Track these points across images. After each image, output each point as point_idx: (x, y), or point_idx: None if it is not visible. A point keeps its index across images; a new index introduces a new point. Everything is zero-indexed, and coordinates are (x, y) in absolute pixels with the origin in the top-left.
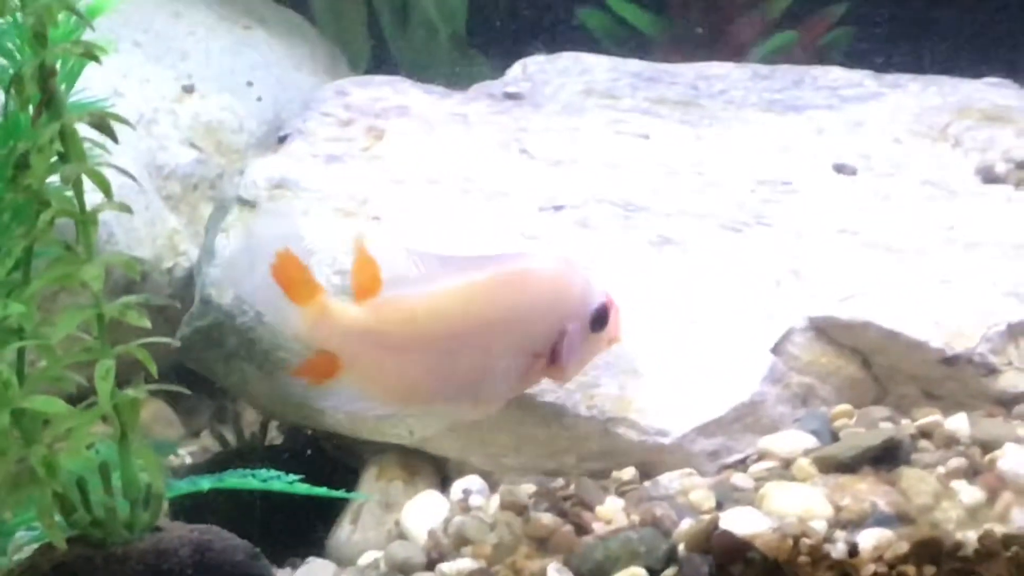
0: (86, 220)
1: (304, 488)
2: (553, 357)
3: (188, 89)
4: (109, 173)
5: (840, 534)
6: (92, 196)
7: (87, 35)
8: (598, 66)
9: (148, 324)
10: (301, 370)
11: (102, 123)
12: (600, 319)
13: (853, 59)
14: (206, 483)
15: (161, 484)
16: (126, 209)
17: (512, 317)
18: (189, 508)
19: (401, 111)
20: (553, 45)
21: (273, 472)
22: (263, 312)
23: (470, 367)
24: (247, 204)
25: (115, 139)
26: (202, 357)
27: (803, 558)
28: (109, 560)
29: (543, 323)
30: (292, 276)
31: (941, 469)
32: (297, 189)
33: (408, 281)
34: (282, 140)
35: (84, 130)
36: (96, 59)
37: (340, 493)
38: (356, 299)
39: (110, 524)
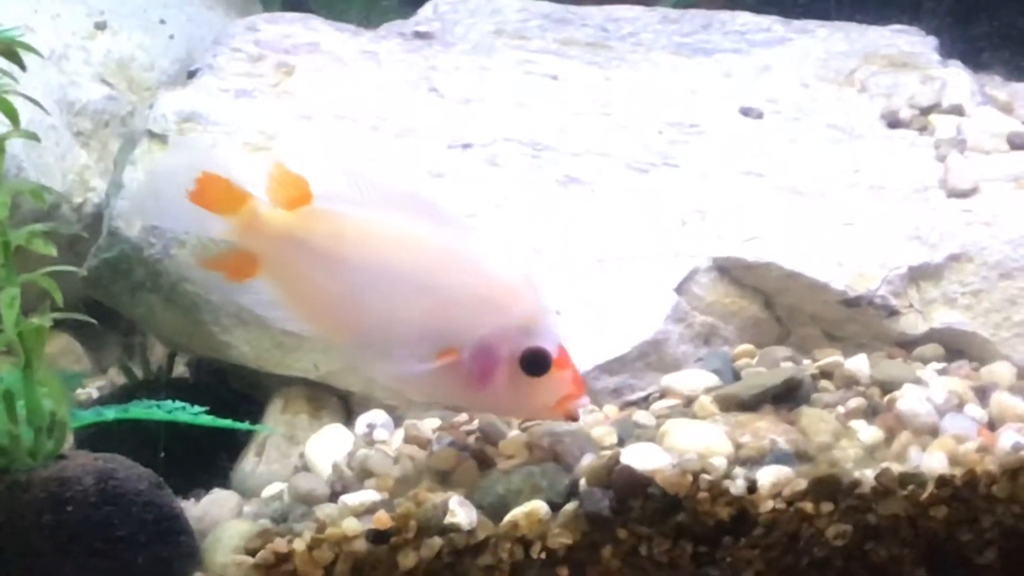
0: None
1: (208, 420)
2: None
3: (100, 26)
4: (19, 106)
5: (739, 471)
6: None
7: None
8: (508, 7)
9: (54, 252)
10: (216, 262)
11: (10, 52)
12: (533, 363)
13: (764, 5)
14: (111, 413)
15: (66, 412)
16: (33, 137)
17: (429, 287)
18: (94, 439)
19: (311, 48)
20: None
21: (178, 404)
22: (187, 231)
23: (376, 316)
24: (156, 137)
25: (23, 68)
26: (109, 289)
27: (702, 494)
28: (12, 487)
29: (460, 318)
30: (215, 194)
31: (841, 409)
32: (206, 123)
33: (342, 199)
34: (192, 75)
35: None
36: None
37: (244, 425)
38: (285, 207)
39: (13, 451)
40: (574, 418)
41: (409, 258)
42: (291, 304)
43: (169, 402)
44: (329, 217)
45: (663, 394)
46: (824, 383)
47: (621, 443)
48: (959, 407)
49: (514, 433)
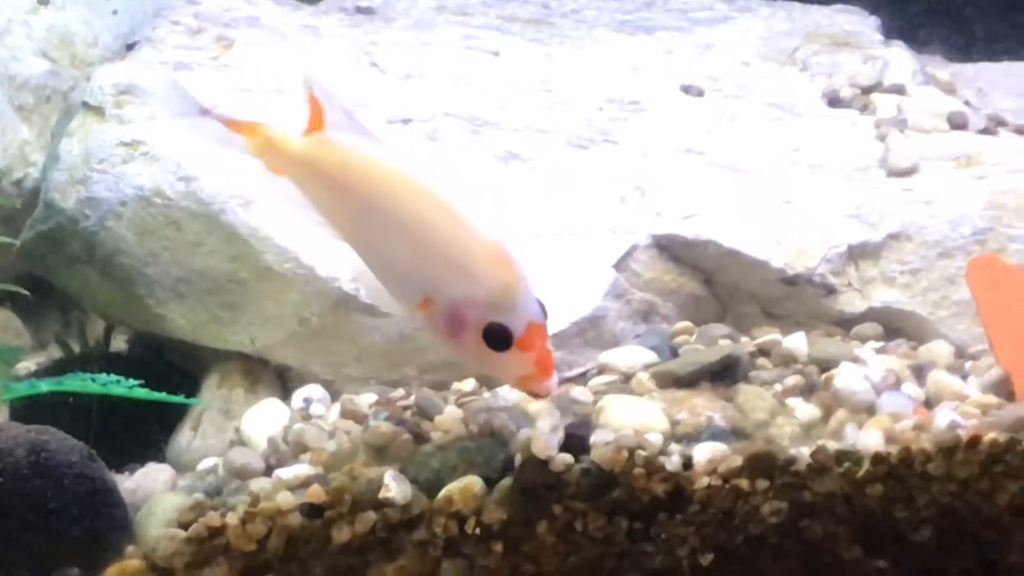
0: None
1: (143, 393)
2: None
3: (43, 1)
4: None
5: (675, 447)
6: None
7: None
8: None
9: None
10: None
11: None
12: (494, 338)
13: None
14: (44, 386)
15: None
16: None
17: (417, 237)
18: (28, 412)
19: (252, 21)
20: None
21: (113, 377)
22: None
23: (375, 248)
24: (92, 109)
25: None
26: (44, 261)
27: (638, 470)
28: None
29: (438, 275)
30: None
31: (778, 386)
32: (144, 96)
33: (352, 131)
34: (130, 48)
35: None
36: None
37: (179, 399)
38: (304, 133)
39: None
40: (539, 396)
41: (404, 203)
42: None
43: (104, 375)
44: (338, 147)
45: (601, 370)
46: (762, 361)
47: None
48: (896, 385)
49: (450, 408)
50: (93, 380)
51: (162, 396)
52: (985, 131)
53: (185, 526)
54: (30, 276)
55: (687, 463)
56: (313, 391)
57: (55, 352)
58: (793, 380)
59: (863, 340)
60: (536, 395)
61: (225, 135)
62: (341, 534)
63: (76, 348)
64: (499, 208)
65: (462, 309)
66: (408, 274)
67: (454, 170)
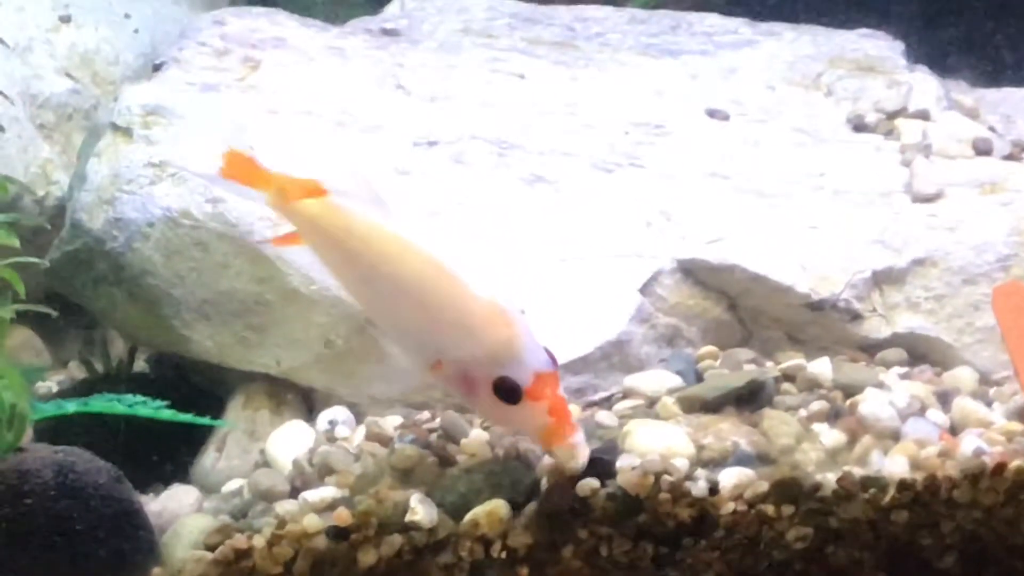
0: None
1: (169, 414)
2: None
3: (65, 19)
4: None
5: (701, 472)
6: None
7: None
8: (476, 5)
9: (16, 243)
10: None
11: None
12: (503, 392)
13: (732, 7)
14: (71, 406)
15: (25, 404)
16: None
17: (420, 300)
18: (54, 433)
19: (278, 43)
20: None
21: (139, 398)
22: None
23: (384, 311)
24: (120, 130)
25: None
26: (71, 282)
27: (664, 495)
28: None
29: (442, 337)
30: (243, 171)
31: (803, 412)
32: (171, 117)
33: (355, 198)
34: (157, 68)
35: None
36: None
37: (205, 420)
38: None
39: None
40: (566, 463)
41: (405, 270)
42: (331, 273)
43: (130, 396)
44: (342, 212)
45: (626, 395)
46: (787, 386)
47: None
48: (921, 412)
49: (475, 431)
50: (119, 401)
51: (188, 417)
52: (1010, 157)
53: (212, 548)
54: (51, 294)
55: (713, 488)
56: (338, 413)
57: (76, 371)
58: (818, 405)
59: (887, 366)
60: (568, 460)
61: (244, 193)
62: (367, 557)
63: (99, 368)
64: (525, 231)
65: (469, 369)
66: (416, 337)
67: (450, 230)
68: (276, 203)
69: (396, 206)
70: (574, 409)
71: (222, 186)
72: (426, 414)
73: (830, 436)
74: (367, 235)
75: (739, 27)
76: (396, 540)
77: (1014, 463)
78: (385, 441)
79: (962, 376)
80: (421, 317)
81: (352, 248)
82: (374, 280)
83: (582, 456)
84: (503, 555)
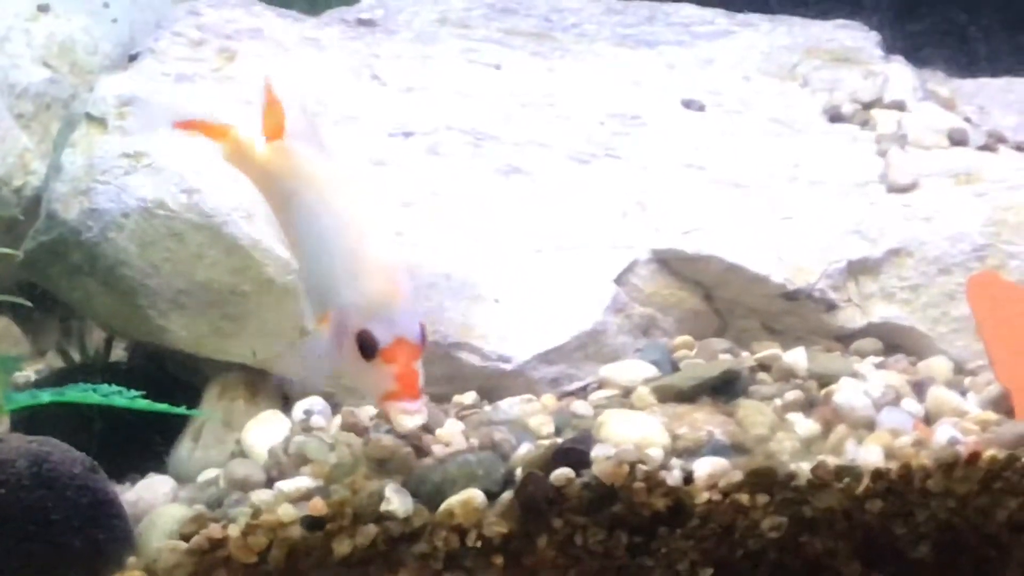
0: None
1: (144, 404)
2: None
3: (43, 8)
4: None
5: (676, 462)
6: None
7: None
8: None
9: None
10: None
11: None
12: (361, 343)
13: None
14: (46, 396)
15: (0, 394)
16: None
17: (328, 250)
18: (29, 422)
19: (254, 33)
20: None
21: (115, 388)
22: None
23: (304, 256)
24: (95, 120)
25: None
26: (46, 272)
27: (639, 484)
28: None
29: (335, 286)
30: (199, 127)
31: (778, 401)
32: (146, 107)
33: (306, 138)
34: (133, 59)
35: None
36: None
37: (180, 410)
38: (265, 138)
39: None
40: (399, 420)
41: (328, 212)
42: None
43: (105, 386)
44: (293, 155)
45: (601, 384)
46: (762, 376)
47: (558, 433)
48: (896, 401)
49: (450, 421)
50: (94, 391)
51: (164, 407)
52: (985, 147)
53: (186, 538)
54: (28, 284)
55: (688, 478)
56: (314, 403)
57: (54, 360)
58: (793, 395)
59: (863, 355)
60: (396, 417)
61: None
62: (342, 547)
63: (76, 358)
64: (501, 222)
65: (344, 318)
66: (318, 285)
67: (396, 185)
68: (231, 152)
69: (339, 151)
70: (548, 399)
71: (180, 135)
72: None
73: (805, 425)
74: (308, 177)
75: (716, 17)
76: (371, 530)
77: (988, 452)
78: (361, 431)
79: (937, 366)
80: (325, 263)
81: (292, 190)
82: (301, 224)
83: (407, 423)
84: (478, 544)
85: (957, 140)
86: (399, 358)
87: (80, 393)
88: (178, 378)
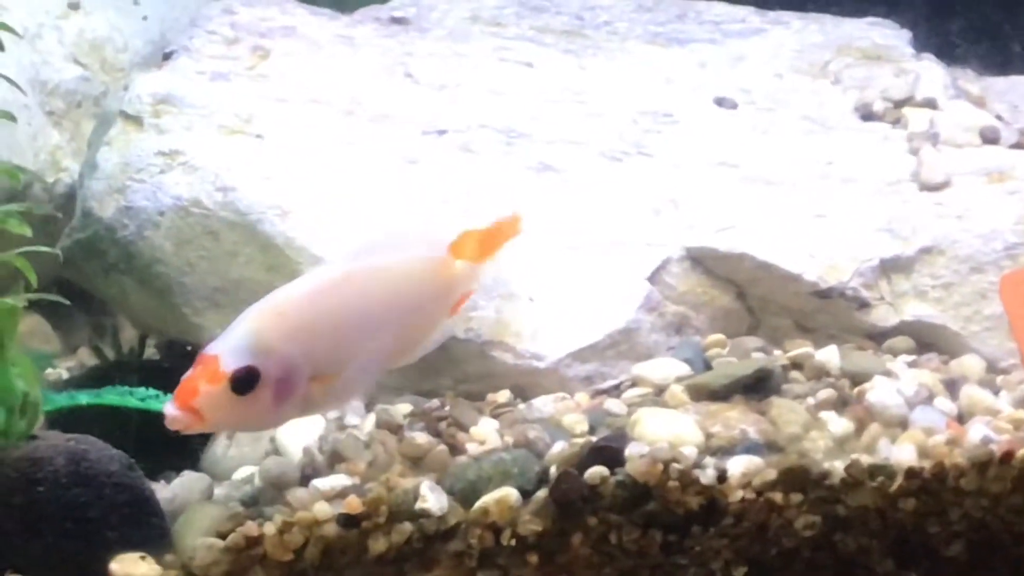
0: None
1: None
2: None
3: (74, 6)
4: None
5: (710, 460)
6: None
7: None
8: None
9: (29, 232)
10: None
11: None
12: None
13: None
14: (84, 398)
15: (38, 392)
16: (9, 117)
17: None
18: (66, 420)
19: (287, 31)
20: None
21: (151, 391)
22: None
23: None
24: (130, 119)
25: (1, 47)
26: (82, 269)
27: (672, 483)
28: None
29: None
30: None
31: (811, 400)
32: (182, 105)
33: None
34: (167, 57)
35: None
36: None
37: None
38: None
39: None
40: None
41: None
42: None
43: (142, 389)
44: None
45: (634, 383)
46: (795, 374)
47: (592, 431)
48: (929, 400)
49: (485, 419)
50: (131, 394)
51: None
52: (1017, 145)
53: (223, 536)
54: (60, 281)
55: (721, 476)
56: None
57: (85, 357)
58: (826, 394)
59: (895, 354)
60: None
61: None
62: (377, 544)
63: (110, 355)
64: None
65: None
66: None
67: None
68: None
69: None
70: (581, 397)
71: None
72: (436, 402)
73: (838, 424)
74: None
75: (747, 15)
76: (406, 527)
77: (1021, 451)
78: (395, 429)
79: (969, 364)
80: None
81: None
82: None
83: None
84: (513, 542)
85: (989, 138)
86: (195, 367)
87: (117, 396)
88: None
